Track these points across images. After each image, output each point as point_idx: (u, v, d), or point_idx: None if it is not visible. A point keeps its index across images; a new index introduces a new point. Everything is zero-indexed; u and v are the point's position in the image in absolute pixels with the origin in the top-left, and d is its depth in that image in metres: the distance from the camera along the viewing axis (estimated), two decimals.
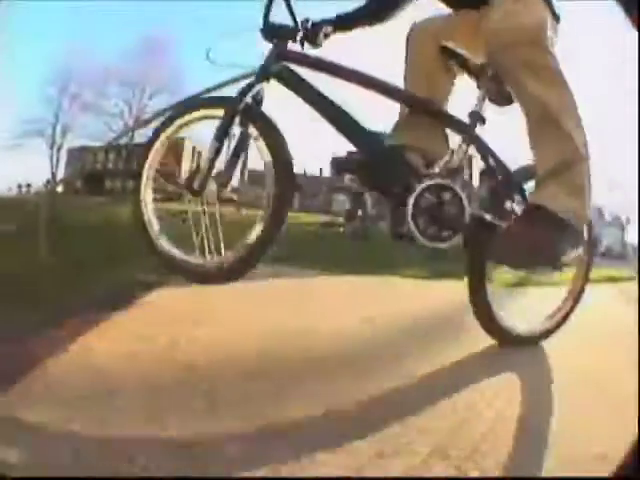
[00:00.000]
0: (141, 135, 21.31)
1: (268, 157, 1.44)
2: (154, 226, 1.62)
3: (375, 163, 1.52)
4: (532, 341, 1.77)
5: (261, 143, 1.46)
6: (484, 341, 1.71)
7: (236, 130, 1.49)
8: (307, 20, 1.58)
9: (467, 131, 1.57)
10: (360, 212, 9.05)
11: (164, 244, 1.57)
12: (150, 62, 22.84)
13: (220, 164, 1.51)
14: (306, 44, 1.58)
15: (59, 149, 24.68)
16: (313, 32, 1.56)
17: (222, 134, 1.49)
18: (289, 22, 1.57)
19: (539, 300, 2.28)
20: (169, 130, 1.69)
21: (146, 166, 1.68)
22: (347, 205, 10.66)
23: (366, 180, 1.63)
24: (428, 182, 1.46)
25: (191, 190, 1.53)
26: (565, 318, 1.82)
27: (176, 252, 1.56)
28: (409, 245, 1.57)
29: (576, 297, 1.85)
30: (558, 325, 1.80)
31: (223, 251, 1.48)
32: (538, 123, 1.42)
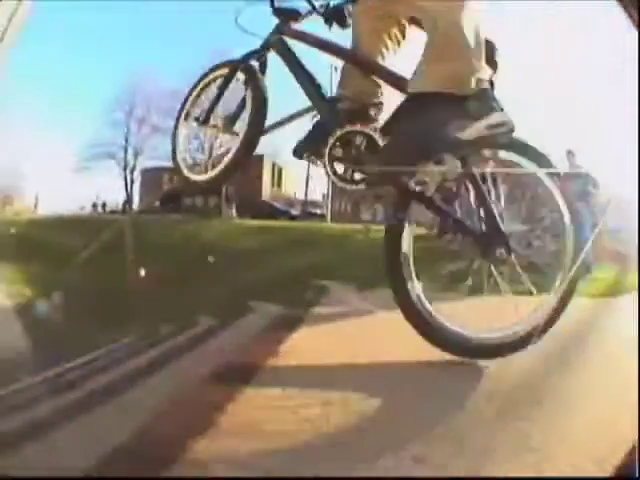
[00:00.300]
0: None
1: (249, 101, 1.82)
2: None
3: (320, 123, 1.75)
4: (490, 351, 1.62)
5: (248, 91, 1.84)
6: None
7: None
8: (328, 4, 1.88)
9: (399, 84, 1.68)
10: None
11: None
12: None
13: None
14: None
15: (132, 170, 25.33)
16: (337, 12, 1.84)
17: (224, 84, 1.97)
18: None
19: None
20: (197, 89, 2.15)
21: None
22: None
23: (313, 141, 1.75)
24: (347, 129, 1.59)
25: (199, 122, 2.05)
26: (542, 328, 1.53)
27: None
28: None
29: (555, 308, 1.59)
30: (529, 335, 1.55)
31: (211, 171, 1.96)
32: (428, 35, 1.54)
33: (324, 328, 2.54)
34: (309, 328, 2.42)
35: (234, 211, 21.48)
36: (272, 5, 1.89)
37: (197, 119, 2.06)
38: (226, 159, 1.86)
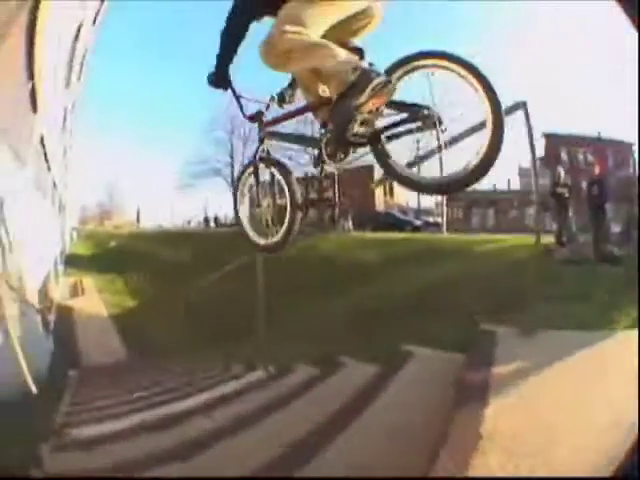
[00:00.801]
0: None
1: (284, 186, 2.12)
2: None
3: None
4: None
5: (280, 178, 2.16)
6: None
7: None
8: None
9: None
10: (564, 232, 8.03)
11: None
12: None
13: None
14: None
15: None
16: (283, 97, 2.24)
17: (255, 176, 2.29)
18: None
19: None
20: (241, 180, 2.49)
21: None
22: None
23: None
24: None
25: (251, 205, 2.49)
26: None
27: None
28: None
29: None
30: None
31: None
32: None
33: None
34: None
35: (350, 223, 22.03)
36: (244, 115, 2.22)
37: (250, 202, 2.49)
38: (282, 231, 2.17)
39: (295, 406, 2.13)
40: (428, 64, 1.59)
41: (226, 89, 2.10)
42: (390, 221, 23.47)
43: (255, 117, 2.21)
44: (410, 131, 1.66)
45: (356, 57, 1.67)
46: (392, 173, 1.76)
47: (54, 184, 16.43)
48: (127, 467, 1.84)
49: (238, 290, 6.56)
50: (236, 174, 2.85)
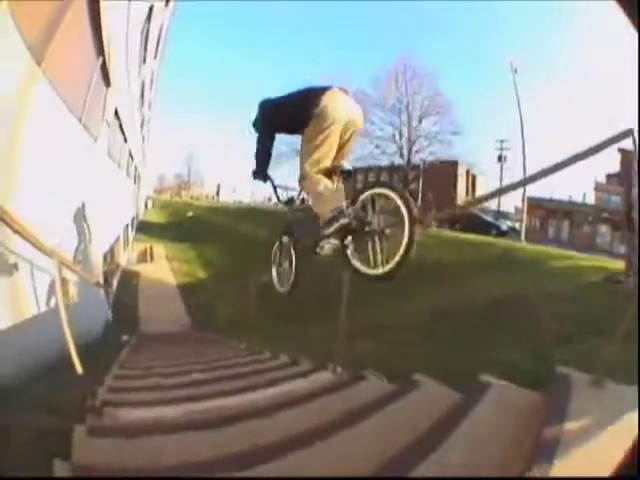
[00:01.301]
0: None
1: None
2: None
3: None
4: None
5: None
6: None
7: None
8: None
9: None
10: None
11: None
12: (410, 88, 24.86)
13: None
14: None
15: None
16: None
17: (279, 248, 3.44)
18: None
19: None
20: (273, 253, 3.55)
21: None
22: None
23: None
24: None
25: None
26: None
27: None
28: None
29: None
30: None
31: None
32: None
33: None
34: None
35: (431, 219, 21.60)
36: (278, 199, 3.17)
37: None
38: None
39: (365, 425, 1.88)
40: (377, 192, 2.35)
41: (265, 182, 2.95)
42: (476, 222, 22.71)
43: (288, 201, 3.14)
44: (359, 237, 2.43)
45: (340, 203, 2.38)
46: (347, 262, 2.49)
47: (130, 154, 17.34)
48: (165, 469, 1.67)
49: (316, 274, 6.48)
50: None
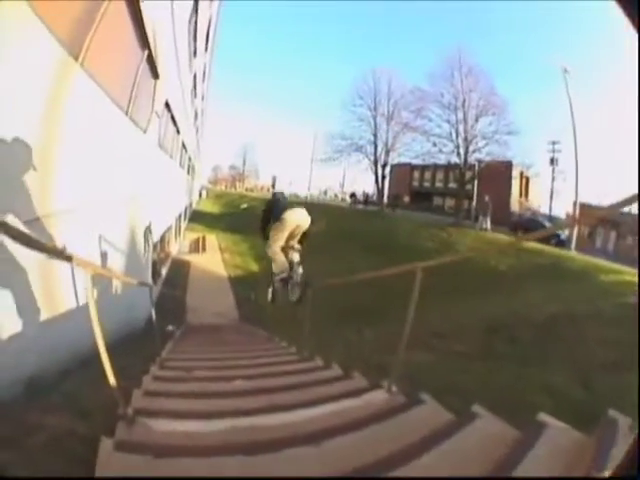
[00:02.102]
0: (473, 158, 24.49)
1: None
2: None
3: None
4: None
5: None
6: None
7: None
8: None
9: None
10: None
11: None
12: (465, 85, 25.07)
13: None
14: None
15: (384, 165, 30.04)
16: None
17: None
18: None
19: None
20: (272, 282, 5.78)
21: None
22: None
23: None
24: None
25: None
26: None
27: None
28: None
29: None
30: None
31: None
32: None
33: None
34: None
35: (489, 222, 21.42)
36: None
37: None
38: None
39: (423, 461, 1.68)
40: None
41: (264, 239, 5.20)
42: (536, 227, 21.71)
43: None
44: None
45: (285, 266, 5.03)
46: (285, 293, 5.28)
47: (183, 145, 17.75)
48: None
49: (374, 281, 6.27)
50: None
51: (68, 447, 2.00)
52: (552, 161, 30.75)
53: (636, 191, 1.30)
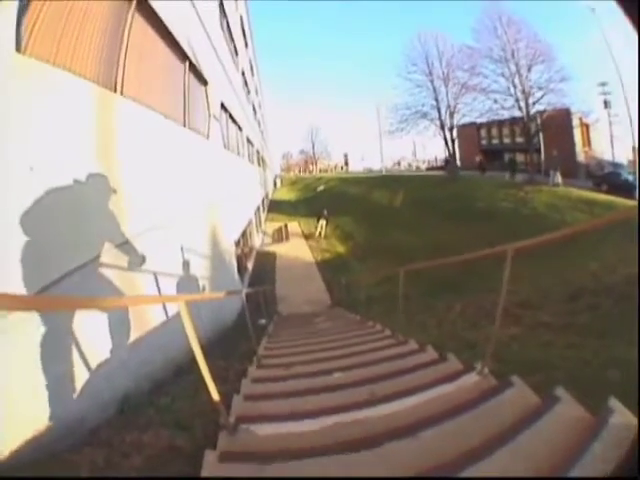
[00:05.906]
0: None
1: None
2: None
3: None
4: None
5: None
6: None
7: None
8: None
9: None
10: None
11: None
12: (510, 35, 24.77)
13: None
14: None
15: (451, 129, 29.41)
16: None
17: None
18: None
19: None
20: None
21: None
22: None
23: None
24: None
25: None
26: None
27: None
28: None
29: None
30: None
31: None
32: None
33: None
34: None
35: (559, 176, 20.53)
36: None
37: None
38: None
39: (514, 445, 1.67)
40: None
41: None
42: (617, 182, 20.04)
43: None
44: None
45: None
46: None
47: (248, 140, 18.18)
48: None
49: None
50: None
51: (168, 464, 2.05)
52: (605, 104, 28.67)
53: None
